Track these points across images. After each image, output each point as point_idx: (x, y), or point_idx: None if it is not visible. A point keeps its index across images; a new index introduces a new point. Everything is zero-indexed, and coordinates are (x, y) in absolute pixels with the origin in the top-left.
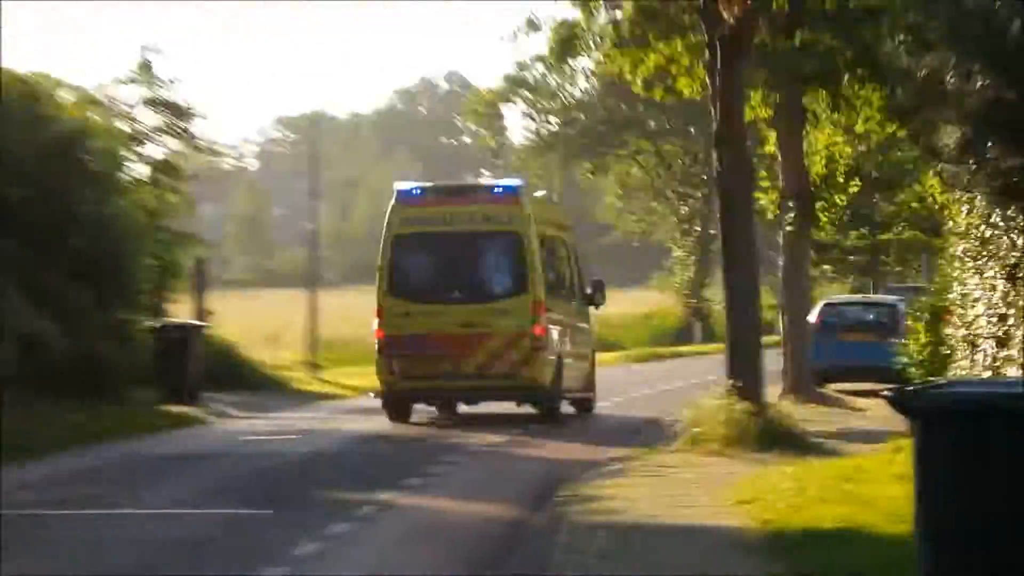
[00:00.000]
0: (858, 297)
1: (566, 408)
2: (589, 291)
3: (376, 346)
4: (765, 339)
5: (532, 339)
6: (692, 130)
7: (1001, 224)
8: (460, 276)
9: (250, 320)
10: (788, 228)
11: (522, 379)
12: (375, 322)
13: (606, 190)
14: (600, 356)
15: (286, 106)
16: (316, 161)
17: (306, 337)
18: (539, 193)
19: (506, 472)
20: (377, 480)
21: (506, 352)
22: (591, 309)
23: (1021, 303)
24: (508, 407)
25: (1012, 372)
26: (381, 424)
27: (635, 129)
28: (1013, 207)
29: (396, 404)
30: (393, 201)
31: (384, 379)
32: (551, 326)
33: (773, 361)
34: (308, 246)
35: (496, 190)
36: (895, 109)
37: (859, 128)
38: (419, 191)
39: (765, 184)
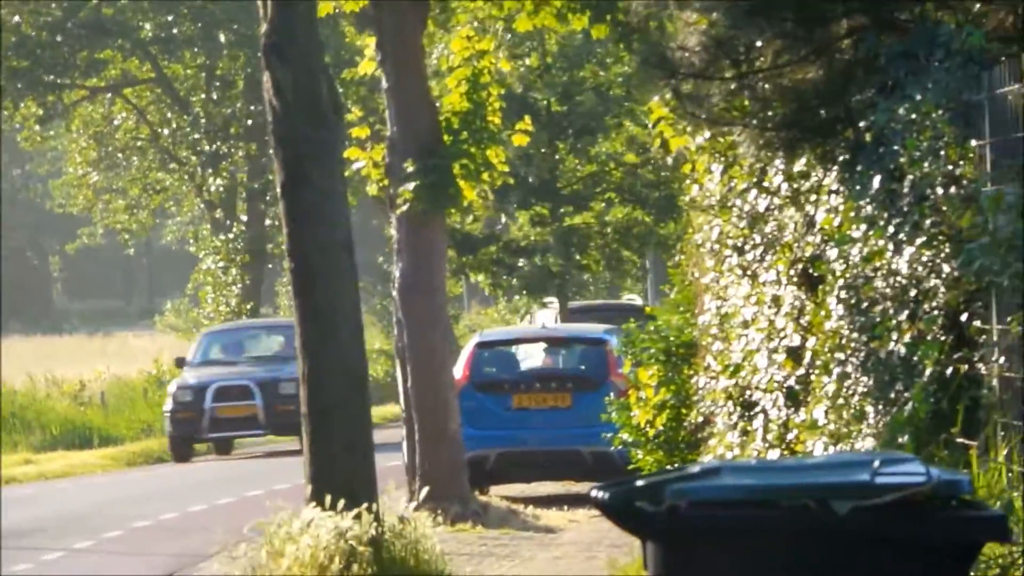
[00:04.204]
0: (531, 330)
1: None
2: None
3: None
4: (379, 411)
5: None
6: (223, 37)
7: (785, 188)
8: None
9: None
10: (404, 209)
11: None
12: None
13: (69, 152)
14: (56, 462)
15: None
16: None
17: None
18: None
19: None
20: None
21: None
22: None
23: (827, 324)
24: None
25: (819, 448)
26: None
27: (117, 38)
28: (810, 152)
29: None
30: None
31: None
32: None
33: (395, 450)
34: None
35: None
36: None
37: (523, 24)
38: None
39: (363, 133)
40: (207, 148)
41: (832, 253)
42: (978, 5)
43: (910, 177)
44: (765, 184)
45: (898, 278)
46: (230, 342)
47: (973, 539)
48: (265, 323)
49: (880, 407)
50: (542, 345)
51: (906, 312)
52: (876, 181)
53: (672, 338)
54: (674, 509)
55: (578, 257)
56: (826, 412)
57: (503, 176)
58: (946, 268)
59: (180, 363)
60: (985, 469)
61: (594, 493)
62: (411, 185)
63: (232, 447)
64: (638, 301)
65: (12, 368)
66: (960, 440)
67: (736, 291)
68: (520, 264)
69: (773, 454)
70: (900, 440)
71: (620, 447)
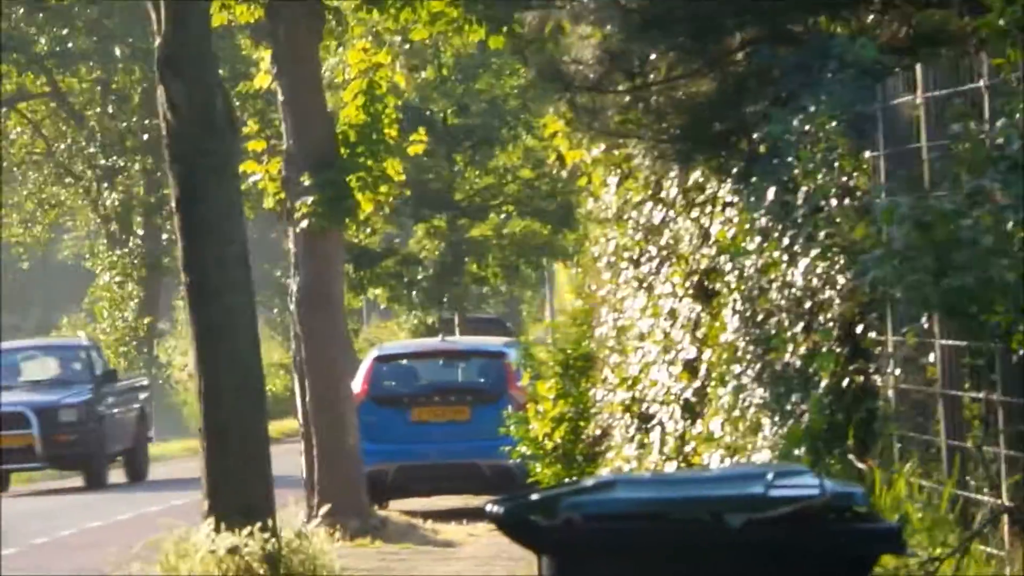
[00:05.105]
0: (430, 343)
1: None
2: None
3: None
4: (278, 425)
5: None
6: (118, 51)
7: (681, 200)
8: None
9: None
10: (304, 224)
11: None
12: None
13: None
14: None
15: None
16: None
17: None
18: None
19: None
20: None
21: None
22: None
23: (723, 336)
24: None
25: (715, 461)
26: None
27: (11, 52)
28: (705, 164)
29: None
30: None
31: None
32: None
33: (294, 465)
34: None
35: None
36: None
37: (419, 33)
38: None
39: (259, 146)
40: (103, 162)
41: (727, 265)
42: (871, 17)
43: (804, 188)
44: (661, 196)
45: (793, 290)
46: (4, 364)
47: (868, 551)
48: (43, 343)
49: (776, 419)
50: (440, 359)
51: (801, 324)
52: (770, 193)
53: (569, 351)
54: (568, 523)
55: (475, 269)
56: (722, 424)
57: (398, 187)
58: (841, 280)
59: None
60: (884, 481)
61: (489, 507)
62: (308, 199)
63: (8, 482)
64: (492, 314)
65: None
66: (855, 452)
67: (633, 303)
68: (418, 278)
69: (670, 466)
70: (797, 452)
71: (519, 460)
